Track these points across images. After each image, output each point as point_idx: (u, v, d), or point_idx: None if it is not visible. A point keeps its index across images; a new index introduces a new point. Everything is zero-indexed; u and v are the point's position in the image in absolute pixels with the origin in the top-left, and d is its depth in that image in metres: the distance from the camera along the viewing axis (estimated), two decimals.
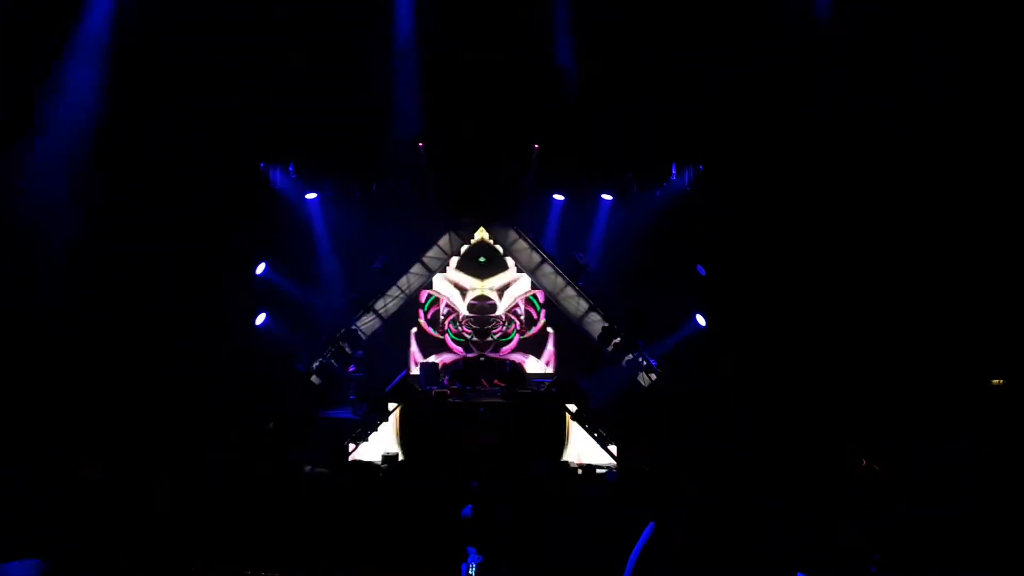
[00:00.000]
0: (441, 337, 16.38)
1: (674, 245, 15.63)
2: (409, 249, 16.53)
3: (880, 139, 13.27)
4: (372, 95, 14.20)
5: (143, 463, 10.93)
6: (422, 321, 16.40)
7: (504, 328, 16.29)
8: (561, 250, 16.58)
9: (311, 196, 15.92)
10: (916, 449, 10.75)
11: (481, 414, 13.20)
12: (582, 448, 13.90)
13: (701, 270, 15.33)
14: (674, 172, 16.13)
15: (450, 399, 13.83)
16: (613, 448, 13.66)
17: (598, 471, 12.86)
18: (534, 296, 16.49)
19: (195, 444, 12.11)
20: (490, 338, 16.19)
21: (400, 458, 13.31)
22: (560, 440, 13.75)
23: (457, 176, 15.88)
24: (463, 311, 16.46)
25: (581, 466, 13.14)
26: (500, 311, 16.41)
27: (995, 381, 13.24)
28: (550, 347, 16.52)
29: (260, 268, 15.36)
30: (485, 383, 14.88)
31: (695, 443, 12.90)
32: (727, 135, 14.56)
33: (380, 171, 15.68)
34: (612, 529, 8.08)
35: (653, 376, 15.53)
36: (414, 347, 16.33)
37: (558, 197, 16.44)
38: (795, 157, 14.23)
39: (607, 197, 16.18)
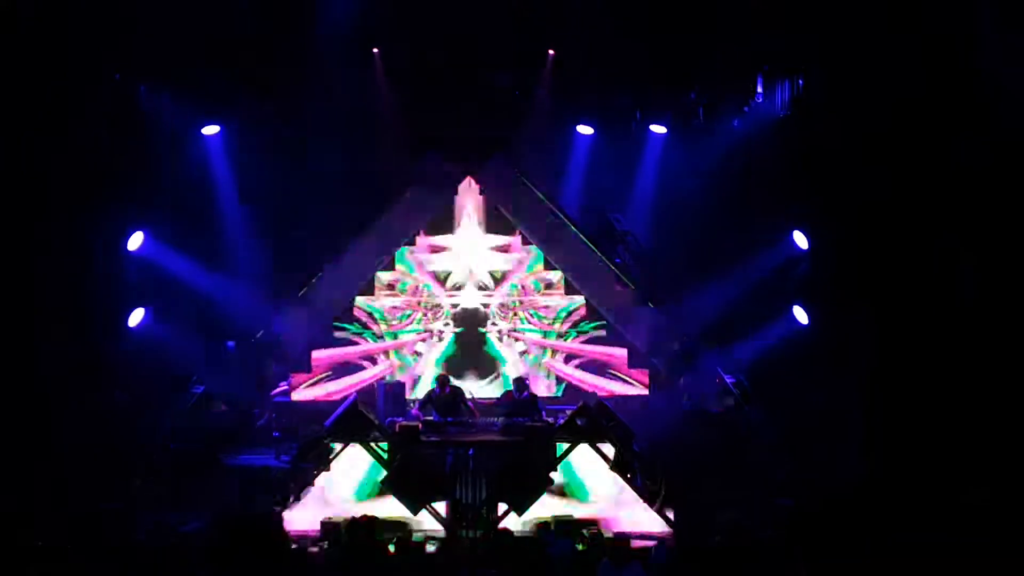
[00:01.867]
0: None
1: (761, 199, 13.76)
2: (355, 211, 14.62)
3: None
4: None
5: None
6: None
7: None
8: (588, 209, 14.93)
9: (211, 130, 13.84)
10: None
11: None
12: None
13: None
14: (760, 88, 14.02)
15: (422, 436, 11.94)
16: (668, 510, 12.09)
17: (636, 543, 11.02)
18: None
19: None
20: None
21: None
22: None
23: (429, 95, 13.90)
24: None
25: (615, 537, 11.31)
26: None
27: None
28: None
29: (135, 241, 13.23)
30: (475, 410, 12.93)
31: (795, 502, 11.43)
32: (844, 28, 12.38)
33: (308, 90, 13.63)
34: None
35: (729, 400, 13.88)
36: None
37: (584, 129, 14.50)
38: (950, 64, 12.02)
39: (659, 129, 14.46)
